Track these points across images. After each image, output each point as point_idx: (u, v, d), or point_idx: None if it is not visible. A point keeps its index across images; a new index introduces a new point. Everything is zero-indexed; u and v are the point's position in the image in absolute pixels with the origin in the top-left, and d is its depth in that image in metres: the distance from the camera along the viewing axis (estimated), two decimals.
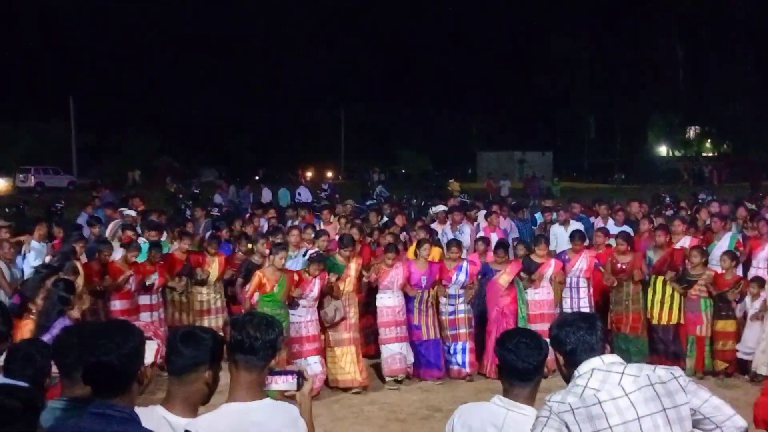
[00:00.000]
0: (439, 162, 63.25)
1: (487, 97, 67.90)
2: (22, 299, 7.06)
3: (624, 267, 10.23)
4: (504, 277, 10.06)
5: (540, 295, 10.23)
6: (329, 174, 57.57)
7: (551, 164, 64.29)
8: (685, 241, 10.72)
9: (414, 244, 10.68)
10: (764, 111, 56.99)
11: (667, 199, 22.63)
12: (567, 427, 2.99)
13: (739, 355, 9.67)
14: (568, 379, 3.19)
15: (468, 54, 72.28)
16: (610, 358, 3.15)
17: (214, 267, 10.55)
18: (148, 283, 9.97)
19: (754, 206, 15.40)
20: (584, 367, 3.12)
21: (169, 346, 3.10)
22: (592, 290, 10.46)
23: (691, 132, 68.92)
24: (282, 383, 3.34)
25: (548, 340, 3.30)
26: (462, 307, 10.04)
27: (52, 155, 49.90)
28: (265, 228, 13.52)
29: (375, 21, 75.05)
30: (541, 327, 9.79)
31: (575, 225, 12.41)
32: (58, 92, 52.73)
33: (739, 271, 10.39)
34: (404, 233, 12.35)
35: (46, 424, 3.13)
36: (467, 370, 9.94)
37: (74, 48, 64.00)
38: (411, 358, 9.83)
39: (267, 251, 9.96)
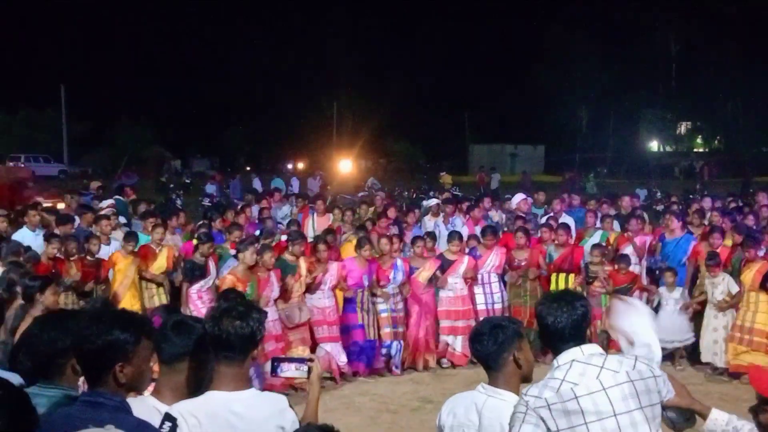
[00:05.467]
0: (431, 155, 63.17)
1: (479, 91, 67.81)
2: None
3: (522, 263, 10.50)
4: (423, 274, 10.05)
5: (453, 291, 10.25)
6: (345, 165, 57.30)
7: (543, 158, 64.34)
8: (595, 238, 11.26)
9: (354, 241, 10.34)
10: (755, 107, 57.17)
11: (658, 194, 22.72)
12: (543, 422, 2.99)
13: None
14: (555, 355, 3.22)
15: (461, 47, 72.20)
16: (590, 349, 3.15)
17: (161, 258, 10.02)
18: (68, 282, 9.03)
19: (741, 202, 15.50)
20: (564, 357, 3.12)
21: (159, 335, 3.09)
22: (503, 285, 10.59)
23: (683, 128, 69.08)
24: (292, 371, 3.36)
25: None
26: (401, 305, 9.91)
27: (44, 144, 49.75)
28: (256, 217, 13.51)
29: (367, 13, 74.87)
30: (454, 324, 10.09)
31: (566, 218, 12.47)
32: (52, 81, 52.43)
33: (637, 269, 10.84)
34: (395, 226, 12.33)
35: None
36: (398, 371, 9.85)
37: (68, 37, 63.70)
38: (343, 359, 9.43)
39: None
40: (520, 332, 3.37)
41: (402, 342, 9.87)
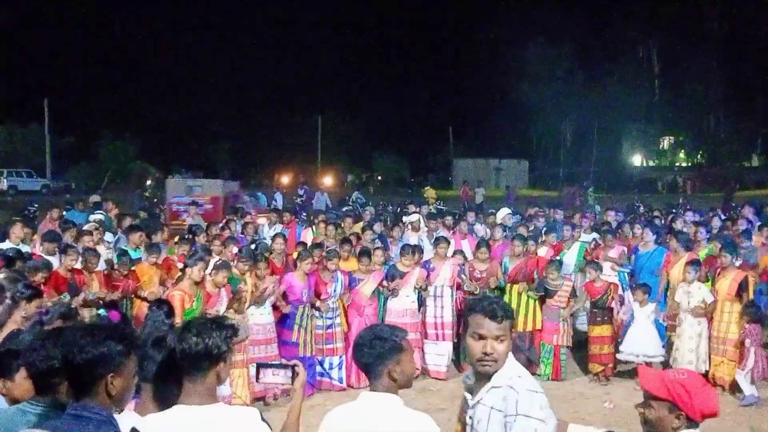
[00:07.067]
0: (415, 169, 63.28)
1: (463, 105, 68.09)
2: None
3: (482, 275, 10.41)
4: (367, 286, 9.94)
5: (402, 303, 10.16)
6: (326, 181, 57.32)
7: (527, 172, 64.63)
8: (544, 252, 11.27)
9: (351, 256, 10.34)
10: (737, 121, 57.73)
11: (641, 208, 22.86)
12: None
13: (622, 356, 9.93)
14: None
15: (445, 62, 72.58)
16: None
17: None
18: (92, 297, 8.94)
19: (723, 215, 15.66)
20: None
21: (142, 354, 3.09)
22: (455, 299, 10.46)
23: (666, 142, 69.59)
24: (274, 377, 3.35)
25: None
26: (338, 320, 9.77)
27: (28, 158, 49.47)
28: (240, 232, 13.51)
29: (352, 27, 75.17)
30: None
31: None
32: (36, 95, 52.19)
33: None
34: (380, 240, 12.36)
35: (15, 427, 3.11)
36: (343, 385, 9.67)
37: (52, 51, 63.48)
38: None
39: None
40: (400, 345, 3.34)
41: (343, 356, 9.66)
